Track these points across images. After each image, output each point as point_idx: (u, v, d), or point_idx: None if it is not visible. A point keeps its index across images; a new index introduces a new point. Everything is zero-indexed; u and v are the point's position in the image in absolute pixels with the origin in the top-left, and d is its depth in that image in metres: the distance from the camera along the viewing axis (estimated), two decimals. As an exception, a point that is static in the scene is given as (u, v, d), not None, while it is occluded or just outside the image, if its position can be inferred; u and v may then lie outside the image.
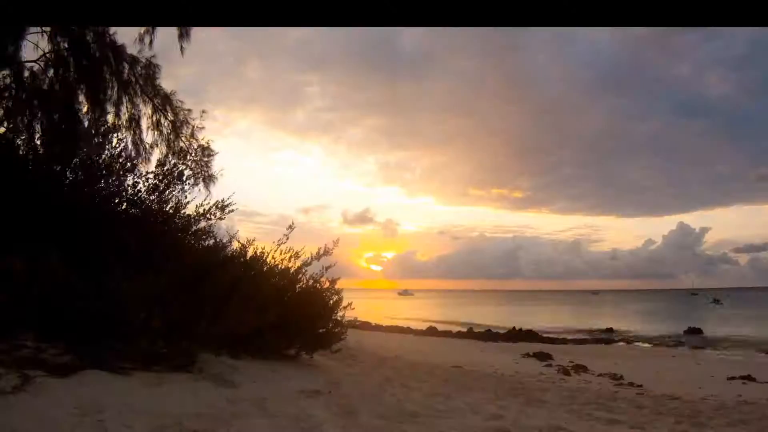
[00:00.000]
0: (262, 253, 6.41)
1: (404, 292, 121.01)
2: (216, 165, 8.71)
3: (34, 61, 7.56)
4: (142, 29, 8.21)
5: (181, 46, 8.40)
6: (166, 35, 8.46)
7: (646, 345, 23.11)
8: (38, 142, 5.28)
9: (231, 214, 5.72)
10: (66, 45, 7.78)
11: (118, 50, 8.25)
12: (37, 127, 6.19)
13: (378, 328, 26.30)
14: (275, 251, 6.53)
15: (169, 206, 5.15)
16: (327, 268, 6.71)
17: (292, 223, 6.58)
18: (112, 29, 8.12)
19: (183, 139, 9.09)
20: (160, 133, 8.97)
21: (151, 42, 8.35)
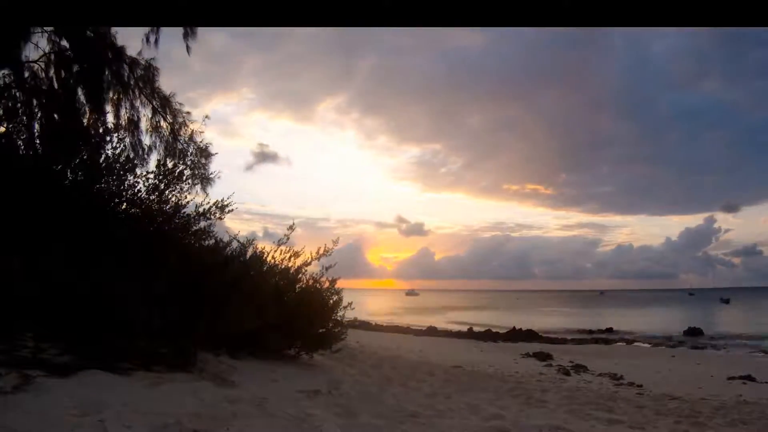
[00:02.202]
0: (262, 252, 6.42)
1: (411, 292, 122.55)
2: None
3: (35, 62, 7.57)
4: (145, 30, 8.23)
5: (187, 45, 8.43)
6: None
7: (646, 345, 23.10)
8: (38, 142, 5.28)
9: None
10: (67, 45, 7.79)
11: (119, 51, 8.27)
12: (37, 127, 6.19)
13: (378, 328, 26.29)
14: (275, 251, 6.53)
15: (169, 206, 5.15)
16: (327, 268, 6.72)
17: (293, 224, 6.59)
18: (113, 30, 8.14)
19: (181, 141, 9.11)
20: (159, 135, 8.99)
21: (154, 41, 8.37)
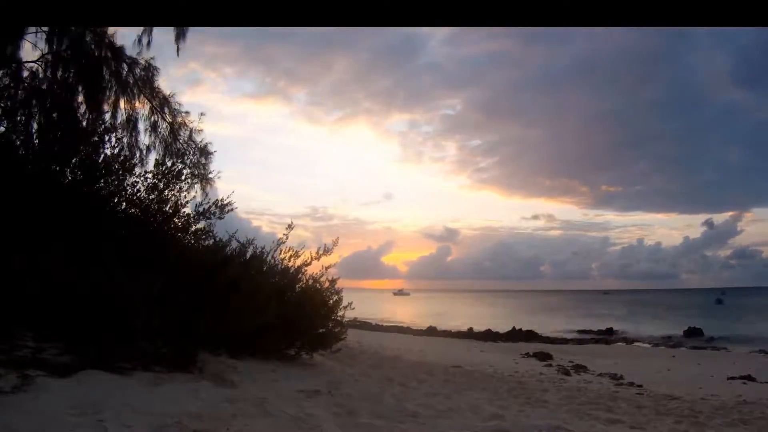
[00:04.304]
0: (261, 252, 6.41)
1: (399, 292, 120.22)
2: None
3: (34, 62, 7.56)
4: (141, 30, 8.23)
5: (178, 47, 8.43)
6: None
7: (646, 345, 23.11)
8: (37, 142, 5.28)
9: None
10: (65, 45, 7.78)
11: (117, 51, 8.26)
12: (36, 127, 6.19)
13: (378, 328, 26.30)
14: (274, 251, 6.53)
15: (169, 206, 5.15)
16: (327, 268, 6.72)
17: (291, 223, 6.59)
18: (112, 30, 8.14)
19: (181, 141, 9.11)
20: (158, 134, 8.99)
21: (149, 43, 8.38)
